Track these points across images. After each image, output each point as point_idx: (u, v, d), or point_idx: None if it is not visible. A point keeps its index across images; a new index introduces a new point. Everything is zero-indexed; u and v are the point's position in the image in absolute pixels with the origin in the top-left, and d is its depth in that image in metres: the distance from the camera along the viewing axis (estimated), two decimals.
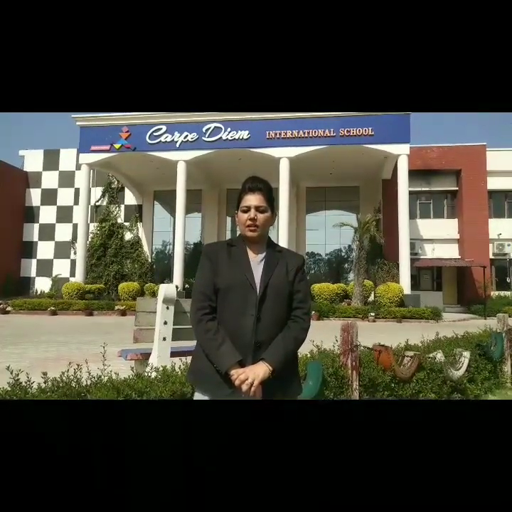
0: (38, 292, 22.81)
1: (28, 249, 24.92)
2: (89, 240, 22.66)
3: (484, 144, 21.34)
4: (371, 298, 17.39)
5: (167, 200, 23.13)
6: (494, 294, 20.03)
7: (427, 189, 21.99)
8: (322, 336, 3.37)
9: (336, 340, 3.21)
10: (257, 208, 1.55)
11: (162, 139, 18.90)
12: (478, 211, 20.65)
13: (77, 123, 19.63)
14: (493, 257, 20.92)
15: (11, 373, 1.87)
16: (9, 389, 1.82)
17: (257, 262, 1.56)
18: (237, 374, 1.40)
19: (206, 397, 1.50)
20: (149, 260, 23.48)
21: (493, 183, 21.06)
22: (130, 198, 24.25)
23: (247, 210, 1.55)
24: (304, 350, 2.60)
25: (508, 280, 21.00)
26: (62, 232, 24.74)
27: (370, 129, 17.59)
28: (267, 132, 18.22)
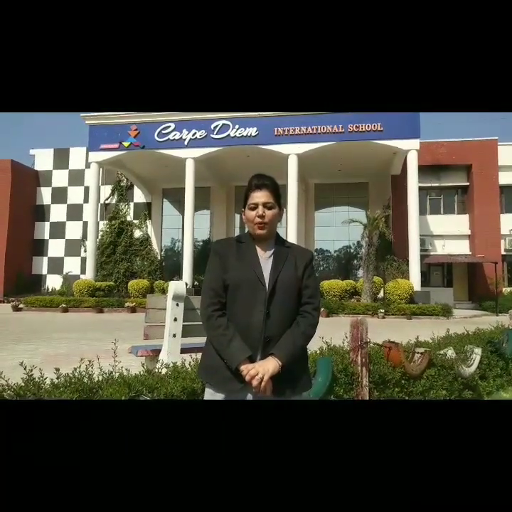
0: (50, 289, 23.11)
1: (39, 247, 25.21)
2: (99, 237, 22.85)
3: (496, 138, 21.05)
4: (381, 295, 17.29)
5: (176, 197, 23.23)
6: (506, 290, 19.79)
7: (437, 185, 21.76)
8: (331, 332, 3.36)
9: (346, 337, 3.20)
10: (265, 205, 1.55)
11: (170, 136, 18.96)
12: (490, 206, 20.38)
13: (86, 122, 19.77)
14: (504, 253, 20.65)
15: (25, 369, 1.90)
16: (23, 384, 1.85)
17: (265, 258, 1.57)
18: (247, 369, 1.40)
19: (216, 393, 1.51)
20: (158, 257, 23.61)
21: (505, 178, 20.77)
22: (139, 196, 24.39)
23: (255, 207, 1.55)
24: (314, 346, 2.60)
25: None
26: (73, 230, 24.99)
27: (379, 124, 17.45)
28: (275, 129, 18.17)
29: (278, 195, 1.60)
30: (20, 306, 17.22)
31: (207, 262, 1.60)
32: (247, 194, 1.58)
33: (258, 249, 1.58)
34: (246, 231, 1.67)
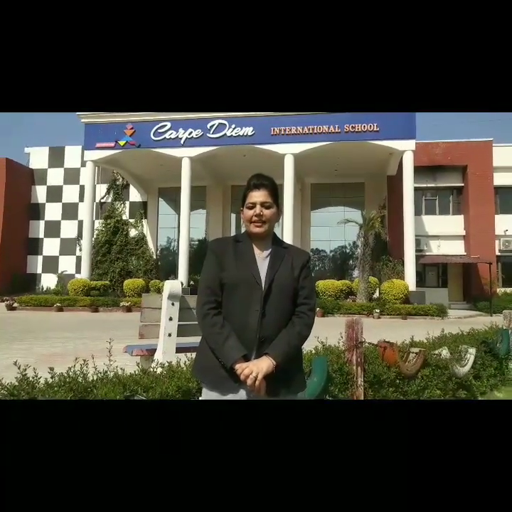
0: (44, 289, 22.99)
1: (34, 246, 25.08)
2: (95, 236, 22.76)
3: (491, 139, 21.17)
4: (376, 295, 17.34)
5: (172, 196, 23.19)
6: (500, 290, 19.91)
7: (433, 185, 21.86)
8: (327, 332, 3.37)
9: (341, 337, 3.21)
10: (263, 204, 1.56)
11: (166, 135, 18.91)
12: (485, 207, 20.50)
13: (82, 120, 19.69)
14: (499, 254, 20.78)
15: (19, 368, 1.89)
16: (17, 384, 1.84)
17: (262, 258, 1.57)
18: (242, 368, 1.41)
19: (212, 391, 1.51)
20: (154, 257, 23.55)
21: (500, 179, 20.90)
22: (135, 195, 24.31)
23: (253, 206, 1.56)
24: (309, 346, 2.61)
25: None
26: (68, 229, 24.87)
27: (375, 125, 17.50)
28: (272, 128, 18.18)
29: (276, 195, 1.61)
30: (15, 305, 17.12)
31: (203, 261, 1.60)
32: (246, 193, 1.59)
33: (255, 249, 1.58)
34: (242, 231, 1.67)
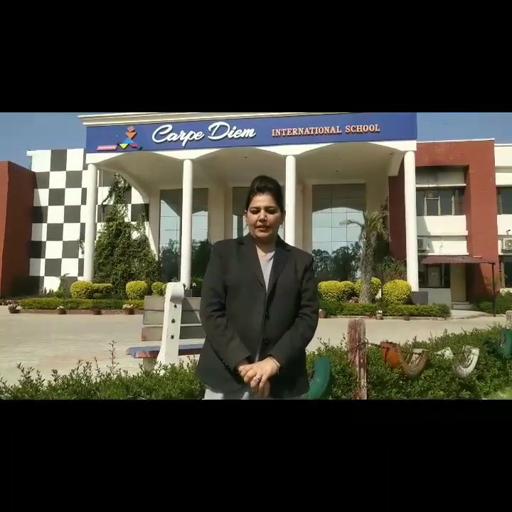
0: (47, 291, 23.04)
1: (37, 249, 25.14)
2: (97, 239, 22.80)
3: (492, 139, 21.12)
4: (378, 295, 17.31)
5: (173, 198, 23.21)
6: (503, 290, 19.83)
7: (435, 185, 21.81)
8: (329, 333, 3.37)
9: (344, 338, 3.21)
10: (267, 209, 1.56)
11: (168, 138, 18.94)
12: (487, 207, 20.44)
13: (84, 123, 19.75)
14: (502, 254, 20.70)
15: (22, 371, 1.90)
16: (20, 387, 1.84)
17: (266, 260, 1.58)
18: (245, 370, 1.41)
19: (215, 393, 1.51)
20: (156, 259, 23.57)
21: (502, 179, 20.84)
22: (137, 197, 24.35)
23: (257, 210, 1.56)
24: (312, 347, 2.61)
25: None
26: (70, 232, 24.93)
27: (376, 125, 17.49)
28: (273, 130, 18.19)
29: (280, 198, 1.61)
30: (18, 308, 17.16)
31: (205, 263, 1.61)
32: (250, 197, 1.59)
33: (259, 251, 1.59)
34: (244, 233, 1.67)
